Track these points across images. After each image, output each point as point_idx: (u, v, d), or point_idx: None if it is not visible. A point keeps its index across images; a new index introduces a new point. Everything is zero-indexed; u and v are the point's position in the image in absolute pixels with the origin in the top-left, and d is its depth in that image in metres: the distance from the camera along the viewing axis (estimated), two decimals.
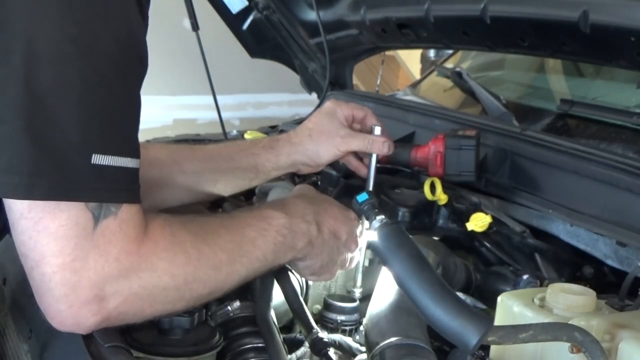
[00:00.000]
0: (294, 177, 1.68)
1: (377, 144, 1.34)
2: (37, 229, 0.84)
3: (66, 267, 0.84)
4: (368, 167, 1.35)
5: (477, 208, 1.39)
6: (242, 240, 1.02)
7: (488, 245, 1.39)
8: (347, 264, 1.23)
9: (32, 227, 0.84)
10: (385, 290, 1.16)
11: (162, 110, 4.11)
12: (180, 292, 0.93)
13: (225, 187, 1.35)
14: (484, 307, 1.23)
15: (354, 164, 1.40)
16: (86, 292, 0.85)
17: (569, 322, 0.91)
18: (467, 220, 1.36)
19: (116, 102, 0.87)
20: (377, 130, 1.36)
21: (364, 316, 1.18)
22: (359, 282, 1.34)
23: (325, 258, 1.17)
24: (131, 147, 0.90)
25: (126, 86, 0.89)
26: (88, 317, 0.87)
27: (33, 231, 0.84)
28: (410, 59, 4.35)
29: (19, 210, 0.84)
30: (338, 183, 1.58)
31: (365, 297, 1.28)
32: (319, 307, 1.33)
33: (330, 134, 1.35)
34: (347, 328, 1.24)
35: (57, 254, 0.84)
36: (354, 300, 1.28)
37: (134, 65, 0.90)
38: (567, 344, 0.87)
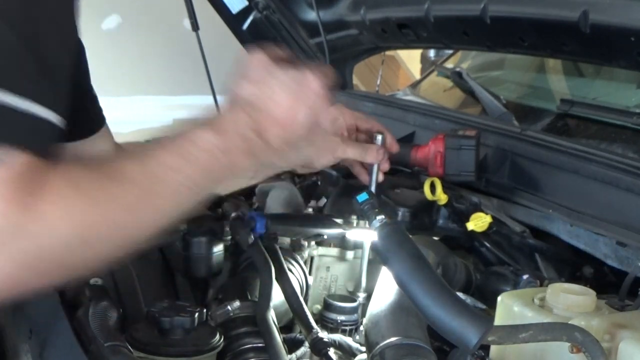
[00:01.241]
0: (294, 177, 1.68)
1: (372, 152, 1.31)
2: None
3: None
4: (369, 172, 1.34)
5: (477, 208, 1.39)
6: (158, 169, 0.86)
7: (488, 245, 1.39)
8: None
9: None
10: (385, 290, 1.16)
11: (162, 110, 4.11)
12: (89, 244, 0.79)
13: (225, 186, 1.35)
14: (484, 307, 1.23)
15: (356, 169, 1.39)
16: None
17: (569, 322, 0.91)
18: (467, 220, 1.36)
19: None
20: (378, 139, 1.34)
21: (364, 316, 1.18)
22: (363, 285, 1.34)
23: (292, 158, 1.08)
24: (19, 83, 0.76)
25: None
26: None
27: None
28: (410, 59, 4.35)
29: None
30: (338, 183, 1.58)
31: (365, 297, 1.28)
32: (319, 307, 1.33)
33: (327, 141, 1.33)
34: (347, 328, 1.24)
35: None
36: (354, 300, 1.28)
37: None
38: (567, 344, 0.87)
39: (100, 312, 0.98)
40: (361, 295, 1.33)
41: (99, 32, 4.35)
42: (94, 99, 1.23)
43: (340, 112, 1.37)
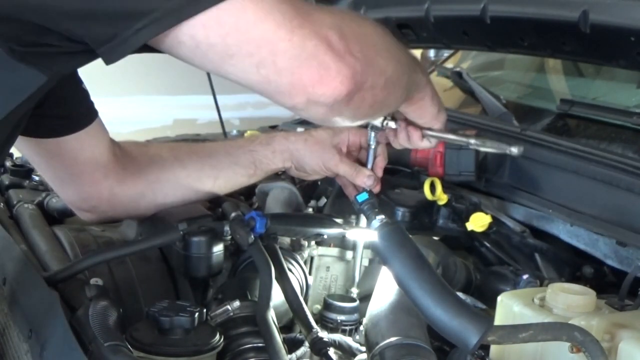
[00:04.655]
0: (294, 177, 1.68)
1: (362, 175, 1.29)
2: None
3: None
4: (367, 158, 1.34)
5: (477, 208, 1.39)
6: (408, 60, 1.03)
7: (488, 245, 1.40)
8: None
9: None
10: (385, 290, 1.16)
11: (162, 110, 4.11)
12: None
13: (225, 184, 1.35)
14: (484, 307, 1.23)
15: (342, 181, 1.38)
16: None
17: (569, 322, 0.91)
18: (467, 220, 1.36)
19: None
20: (372, 135, 1.30)
21: (364, 316, 1.18)
22: (356, 282, 1.35)
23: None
24: None
25: None
26: None
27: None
28: None
29: None
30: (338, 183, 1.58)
31: (365, 297, 1.28)
32: (319, 307, 1.33)
33: (324, 148, 1.33)
34: (347, 328, 1.24)
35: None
36: (354, 300, 1.28)
37: None
38: (567, 344, 0.87)
39: (100, 312, 0.98)
40: (354, 291, 1.34)
41: None
42: (84, 93, 1.23)
43: (348, 128, 1.36)
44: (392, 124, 1.22)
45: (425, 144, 1.23)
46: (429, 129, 1.21)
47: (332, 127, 1.36)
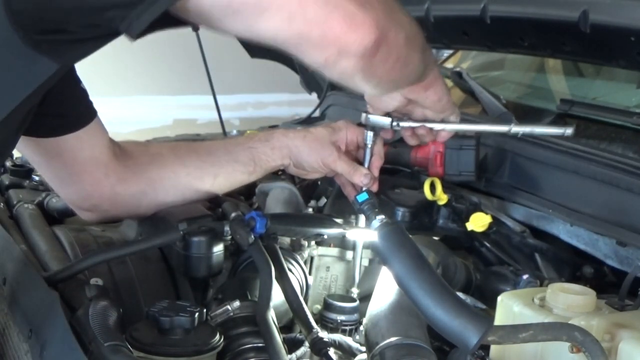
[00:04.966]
0: (294, 177, 1.68)
1: (359, 174, 1.29)
2: None
3: None
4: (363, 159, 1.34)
5: (477, 208, 1.40)
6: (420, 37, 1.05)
7: (488, 245, 1.40)
8: None
9: None
10: (385, 290, 1.16)
11: (162, 110, 4.12)
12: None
13: (225, 181, 1.35)
14: (484, 307, 1.23)
15: (341, 180, 1.37)
16: None
17: (569, 322, 0.91)
18: (467, 220, 1.36)
19: None
20: (369, 135, 1.31)
21: (364, 316, 1.18)
22: (356, 282, 1.35)
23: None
24: None
25: None
26: None
27: None
28: None
29: None
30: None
31: (365, 297, 1.28)
32: (319, 307, 1.33)
33: (322, 145, 1.34)
34: (347, 328, 1.24)
35: None
36: (354, 300, 1.28)
37: None
38: (567, 344, 0.87)
39: (100, 312, 0.98)
40: (354, 291, 1.34)
41: None
42: (83, 92, 1.23)
43: (345, 126, 1.36)
44: (412, 124, 1.27)
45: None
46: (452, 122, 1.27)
47: (332, 125, 1.37)
